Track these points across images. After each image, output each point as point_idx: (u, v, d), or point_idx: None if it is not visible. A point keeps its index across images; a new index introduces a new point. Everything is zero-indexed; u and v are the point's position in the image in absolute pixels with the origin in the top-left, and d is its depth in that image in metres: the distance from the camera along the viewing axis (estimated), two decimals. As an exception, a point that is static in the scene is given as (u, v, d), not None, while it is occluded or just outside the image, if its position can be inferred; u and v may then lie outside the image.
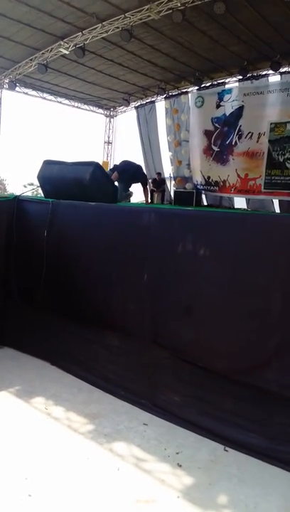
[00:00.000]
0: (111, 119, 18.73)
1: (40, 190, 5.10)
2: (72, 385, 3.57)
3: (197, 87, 14.23)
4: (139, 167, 8.25)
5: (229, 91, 13.42)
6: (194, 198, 13.67)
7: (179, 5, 9.04)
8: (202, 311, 2.95)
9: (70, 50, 11.28)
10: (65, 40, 11.21)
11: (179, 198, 13.97)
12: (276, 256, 2.62)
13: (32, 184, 13.62)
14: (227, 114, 13.30)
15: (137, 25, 10.10)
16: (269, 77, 12.67)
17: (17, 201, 4.29)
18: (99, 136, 19.10)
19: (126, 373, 3.49)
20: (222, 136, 13.50)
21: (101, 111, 18.32)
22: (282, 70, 12.16)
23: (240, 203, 13.81)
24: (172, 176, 15.72)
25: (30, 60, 12.52)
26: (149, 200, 9.99)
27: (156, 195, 14.62)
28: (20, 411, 3.09)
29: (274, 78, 12.58)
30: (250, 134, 12.72)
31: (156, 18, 9.61)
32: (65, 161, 4.57)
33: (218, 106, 13.58)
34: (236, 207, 13.68)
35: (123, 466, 2.51)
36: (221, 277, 2.85)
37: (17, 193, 5.37)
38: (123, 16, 9.96)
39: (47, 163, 4.63)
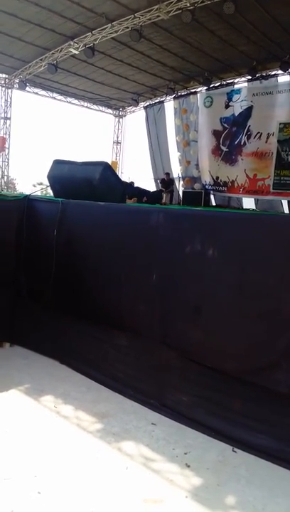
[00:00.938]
0: (120, 119, 18.74)
1: (49, 190, 5.12)
2: (81, 383, 3.59)
3: (206, 87, 14.19)
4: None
5: (238, 91, 13.38)
6: (202, 198, 13.62)
7: (188, 5, 9.03)
8: (211, 311, 2.94)
9: (79, 50, 11.30)
10: (74, 40, 11.24)
11: (187, 198, 13.93)
12: (286, 257, 2.61)
13: (41, 183, 13.65)
14: (236, 114, 13.26)
15: (146, 26, 10.11)
16: (278, 77, 12.59)
17: (27, 200, 4.31)
18: (108, 136, 19.14)
19: (135, 373, 3.49)
20: (231, 136, 13.46)
21: (110, 111, 18.34)
22: (292, 70, 12.07)
23: (249, 203, 13.75)
24: (181, 176, 15.70)
25: (40, 60, 12.58)
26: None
27: (164, 195, 14.61)
28: (30, 409, 3.11)
29: (284, 78, 12.49)
30: (259, 134, 12.67)
31: (165, 18, 9.60)
32: (75, 161, 4.59)
33: (227, 106, 13.54)
34: (244, 207, 13.63)
35: (131, 466, 2.52)
36: (230, 278, 2.84)
37: (26, 192, 5.40)
38: (132, 16, 9.96)
39: (57, 163, 4.65)
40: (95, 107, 17.59)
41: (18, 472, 2.35)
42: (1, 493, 2.17)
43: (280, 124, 11.87)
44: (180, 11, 9.22)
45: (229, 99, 13.51)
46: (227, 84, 13.95)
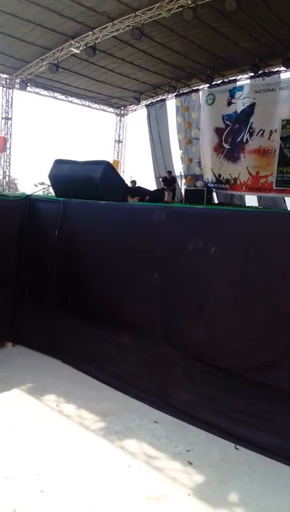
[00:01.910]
0: (122, 118, 18.75)
1: (50, 190, 5.13)
2: (84, 382, 3.60)
3: (208, 85, 14.16)
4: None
5: (241, 88, 13.35)
6: (205, 196, 13.62)
7: (190, 2, 9.02)
8: (214, 309, 2.94)
9: (80, 49, 11.31)
10: (75, 39, 11.25)
11: (190, 196, 13.93)
12: (288, 253, 2.60)
13: (43, 183, 13.69)
14: (239, 112, 13.24)
15: (148, 24, 10.10)
16: (281, 74, 12.56)
17: (28, 200, 4.32)
18: (109, 134, 19.16)
19: (138, 371, 3.50)
20: (233, 133, 13.44)
21: (111, 110, 18.35)
22: (294, 66, 12.04)
23: (251, 200, 13.73)
24: (183, 174, 15.69)
25: (41, 59, 12.60)
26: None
27: (166, 193, 14.61)
28: (33, 408, 3.12)
29: (286, 75, 12.47)
30: (261, 132, 12.64)
31: (167, 16, 9.60)
32: (76, 160, 4.59)
33: (229, 103, 13.53)
34: (247, 205, 13.61)
35: (134, 463, 2.52)
36: (232, 275, 2.84)
37: (28, 192, 5.41)
38: (133, 14, 9.96)
39: (59, 163, 4.66)
40: (97, 105, 17.60)
41: (20, 471, 2.36)
42: (4, 491, 2.18)
43: (283, 120, 11.85)
44: (182, 8, 9.21)
45: (232, 96, 13.49)
46: (229, 82, 13.93)
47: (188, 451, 2.69)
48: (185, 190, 14.82)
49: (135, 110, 18.13)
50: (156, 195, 7.10)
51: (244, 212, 3.34)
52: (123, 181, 4.68)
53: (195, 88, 14.96)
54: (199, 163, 14.93)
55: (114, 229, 3.70)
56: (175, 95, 15.39)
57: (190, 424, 3.00)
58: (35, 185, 17.72)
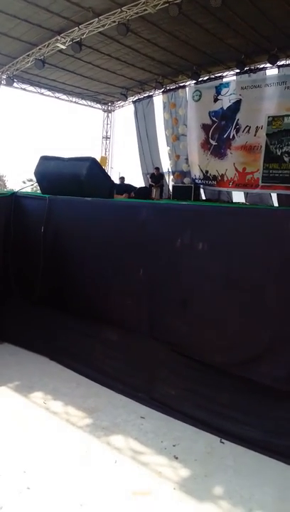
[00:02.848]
0: (109, 114, 18.69)
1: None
2: (71, 379, 3.60)
3: (194, 81, 14.18)
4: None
5: (227, 84, 13.39)
6: (192, 192, 13.66)
7: (175, -2, 9.00)
8: (198, 305, 2.97)
9: (66, 45, 11.23)
10: (61, 35, 11.16)
11: (177, 193, 13.97)
12: (270, 250, 2.63)
13: (31, 180, 13.61)
14: (225, 108, 13.29)
15: (133, 19, 10.06)
16: (267, 71, 12.63)
17: (14, 197, 4.30)
18: (97, 130, 19.09)
19: (124, 367, 3.52)
20: (220, 130, 13.49)
21: (98, 106, 18.27)
22: (280, 63, 12.12)
23: (239, 197, 13.80)
24: (170, 170, 15.70)
25: (28, 55, 12.48)
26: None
27: (154, 189, 14.62)
28: (20, 405, 3.11)
29: (272, 71, 12.54)
30: (248, 128, 12.71)
31: (153, 12, 9.57)
32: (62, 157, 4.58)
33: (216, 100, 13.56)
34: (234, 201, 13.68)
35: (120, 459, 2.54)
36: (216, 272, 2.87)
37: (16, 189, 5.38)
38: (119, 10, 9.91)
39: (44, 159, 4.64)
40: (84, 102, 17.52)
41: (6, 468, 2.36)
42: (-10, 489, 2.18)
43: (268, 117, 11.93)
44: (167, 4, 9.19)
45: (218, 92, 13.53)
46: (216, 78, 13.97)
47: (174, 445, 2.72)
48: (173, 186, 14.85)
49: (122, 106, 18.08)
50: (141, 192, 7.09)
51: (224, 208, 3.37)
52: (109, 178, 4.67)
53: (182, 84, 14.96)
54: (186, 159, 14.96)
55: (100, 225, 3.71)
56: (162, 91, 15.38)
57: (177, 419, 3.02)
58: (24, 182, 17.59)
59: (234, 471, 2.49)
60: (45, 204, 4.02)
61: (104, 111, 18.57)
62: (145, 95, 16.33)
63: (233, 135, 13.13)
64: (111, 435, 2.79)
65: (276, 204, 12.56)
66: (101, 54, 12.65)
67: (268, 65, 12.35)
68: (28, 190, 6.52)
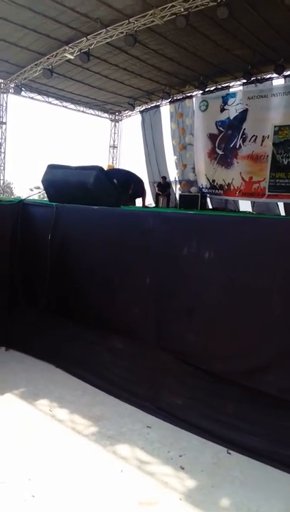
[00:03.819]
0: (116, 124, 18.81)
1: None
2: (77, 387, 3.59)
3: (201, 91, 14.26)
4: (139, 180, 7.62)
5: (234, 95, 13.46)
6: (199, 201, 13.67)
7: (182, 10, 9.10)
8: (204, 314, 2.96)
9: (74, 55, 11.35)
10: (69, 45, 11.29)
11: (184, 202, 13.98)
12: (277, 259, 2.63)
13: (38, 188, 13.71)
14: (231, 118, 13.35)
15: (141, 31, 10.16)
16: (273, 81, 12.69)
17: (22, 205, 4.33)
18: (104, 140, 19.21)
19: (130, 376, 3.50)
20: (227, 139, 13.54)
21: (106, 115, 18.41)
22: (286, 73, 12.16)
23: (246, 206, 13.80)
24: (177, 179, 15.75)
25: (36, 64, 12.62)
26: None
27: (161, 198, 14.66)
28: (25, 413, 3.10)
29: (278, 81, 12.60)
30: (254, 137, 12.75)
31: (160, 24, 9.67)
32: (69, 165, 4.61)
33: (222, 110, 13.63)
34: (241, 210, 13.68)
35: (126, 468, 2.52)
36: (223, 280, 2.86)
37: (24, 196, 5.41)
38: (127, 21, 10.03)
39: (51, 167, 4.68)
40: (91, 111, 17.65)
41: (12, 476, 2.35)
42: (-5, 497, 2.17)
43: (275, 126, 11.95)
44: (175, 16, 9.28)
45: (225, 102, 13.60)
46: (223, 88, 14.03)
47: (180, 456, 2.69)
48: (180, 195, 14.87)
49: (129, 116, 18.21)
50: (124, 183, 6.70)
51: (231, 218, 3.37)
52: (116, 186, 4.70)
53: (189, 94, 15.05)
54: (193, 168, 15.00)
55: (107, 234, 3.72)
56: (169, 101, 15.48)
57: (183, 428, 2.99)
58: (31, 190, 17.74)
59: (240, 482, 2.46)
60: (52, 212, 4.04)
61: (112, 120, 18.70)
62: (152, 105, 16.44)
63: (239, 144, 13.17)
64: (117, 444, 2.77)
65: (282, 213, 12.54)
66: (109, 64, 12.77)
67: (274, 75, 12.41)
68: (35, 197, 6.57)
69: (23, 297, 4.30)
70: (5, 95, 14.98)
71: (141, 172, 17.03)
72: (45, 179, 4.69)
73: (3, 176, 15.85)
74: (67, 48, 11.37)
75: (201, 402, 3.03)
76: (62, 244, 4.00)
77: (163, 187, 14.93)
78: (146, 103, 16.56)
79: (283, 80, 12.43)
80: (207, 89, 14.13)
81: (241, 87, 13.53)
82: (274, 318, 2.59)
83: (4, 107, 15.15)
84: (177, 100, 15.35)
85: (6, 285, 4.32)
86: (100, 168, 4.39)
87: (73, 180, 4.39)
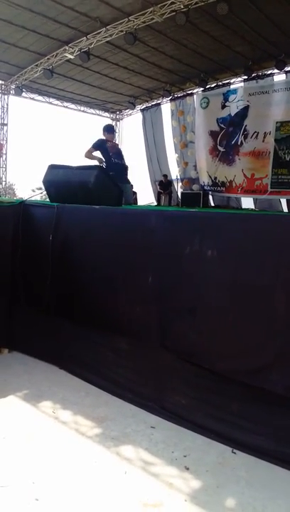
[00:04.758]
0: (117, 122, 18.79)
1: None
2: (80, 388, 3.58)
3: (202, 88, 14.24)
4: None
5: (235, 91, 13.42)
6: (201, 199, 13.65)
7: (182, 7, 9.07)
8: (208, 313, 2.93)
9: (74, 54, 11.35)
10: (69, 45, 11.28)
11: (186, 200, 13.96)
12: (280, 257, 2.59)
13: (40, 188, 13.72)
14: (233, 115, 13.30)
15: (141, 28, 10.14)
16: (274, 76, 12.64)
17: (23, 206, 4.31)
18: (105, 139, 19.15)
19: (134, 376, 3.48)
20: (228, 136, 13.50)
21: (107, 114, 18.40)
22: (287, 68, 12.13)
23: (248, 203, 13.76)
24: (179, 177, 15.73)
25: (36, 65, 12.63)
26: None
27: (163, 197, 14.64)
28: (28, 415, 3.09)
29: (279, 77, 12.54)
30: (256, 134, 12.70)
31: (160, 21, 9.64)
32: (70, 165, 4.59)
33: (223, 106, 13.60)
34: (243, 207, 13.64)
35: (130, 470, 2.50)
36: (226, 279, 2.83)
37: (26, 197, 5.40)
38: (126, 19, 10.00)
39: (52, 168, 4.66)
40: (92, 110, 17.65)
41: (15, 479, 2.33)
42: (-1, 500, 2.16)
43: (277, 123, 11.91)
44: (174, 13, 9.25)
45: (226, 99, 13.56)
46: (223, 85, 14.01)
47: (184, 456, 2.68)
48: (182, 193, 14.85)
49: (130, 115, 18.19)
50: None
51: (233, 214, 3.34)
52: (117, 185, 4.67)
53: (190, 92, 15.02)
54: (195, 166, 14.97)
55: (109, 233, 3.69)
56: (170, 99, 15.46)
57: (187, 428, 2.97)
58: (33, 191, 17.76)
59: (246, 482, 2.44)
60: (54, 212, 4.02)
61: (113, 119, 18.68)
62: (153, 103, 16.42)
63: (241, 141, 13.12)
64: (121, 445, 2.75)
65: (285, 209, 12.50)
66: (109, 63, 12.76)
67: (275, 70, 12.36)
68: (37, 198, 6.55)
69: (24, 298, 4.28)
70: (6, 97, 14.99)
71: (143, 171, 17.05)
72: (46, 179, 4.67)
73: (6, 178, 15.87)
74: (67, 48, 11.37)
75: (205, 401, 3.01)
76: (63, 245, 3.97)
77: (164, 185, 14.93)
78: (147, 101, 16.54)
79: (284, 75, 12.39)
80: (207, 86, 14.10)
81: (242, 84, 13.48)
82: (278, 316, 2.56)
83: (5, 109, 15.16)
84: (178, 98, 15.32)
85: (8, 286, 4.31)
86: (101, 168, 4.38)
87: (74, 180, 4.37)
